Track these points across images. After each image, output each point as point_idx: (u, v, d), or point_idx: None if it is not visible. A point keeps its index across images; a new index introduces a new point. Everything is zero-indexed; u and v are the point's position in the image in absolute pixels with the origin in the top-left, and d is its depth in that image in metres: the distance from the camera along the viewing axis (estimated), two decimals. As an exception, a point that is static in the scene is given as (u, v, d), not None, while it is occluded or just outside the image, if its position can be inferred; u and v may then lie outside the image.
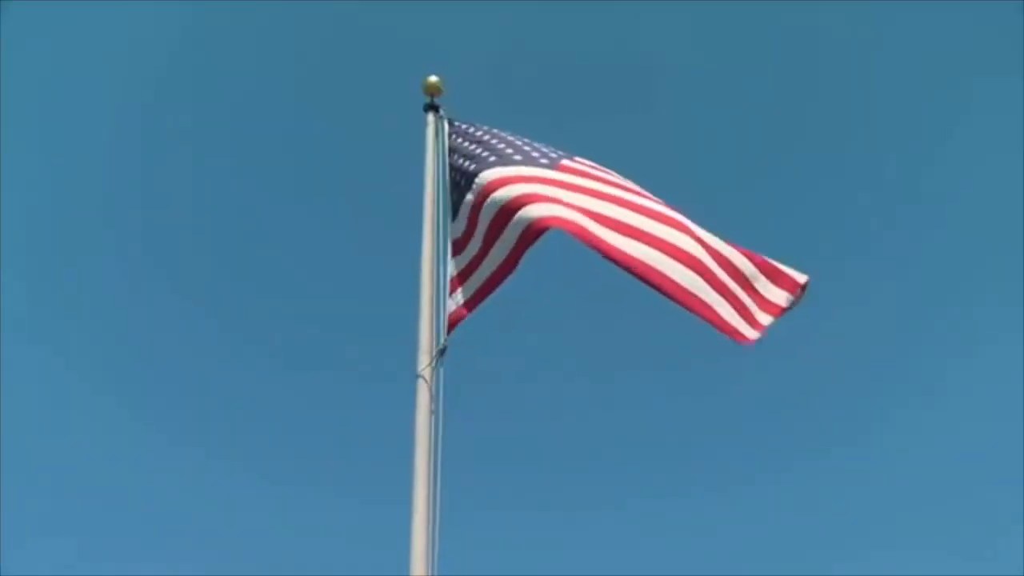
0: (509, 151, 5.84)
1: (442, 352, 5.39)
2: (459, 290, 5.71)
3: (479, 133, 6.12)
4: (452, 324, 5.55)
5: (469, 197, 5.71)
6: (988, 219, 16.30)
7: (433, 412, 5.16)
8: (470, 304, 5.62)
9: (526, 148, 5.88)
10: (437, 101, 6.44)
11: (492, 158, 5.77)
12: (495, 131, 6.11)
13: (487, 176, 5.61)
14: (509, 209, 5.37)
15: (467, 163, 5.85)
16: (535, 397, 17.13)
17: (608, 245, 4.96)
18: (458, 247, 5.86)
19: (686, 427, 16.94)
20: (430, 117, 6.36)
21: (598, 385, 17.26)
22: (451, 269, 5.81)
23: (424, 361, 5.32)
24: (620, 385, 17.38)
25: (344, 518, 15.40)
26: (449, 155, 6.15)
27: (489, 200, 5.49)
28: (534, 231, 5.26)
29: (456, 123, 6.32)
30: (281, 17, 17.21)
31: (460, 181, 5.88)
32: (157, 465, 15.29)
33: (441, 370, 5.38)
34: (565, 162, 5.73)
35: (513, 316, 15.41)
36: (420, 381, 5.26)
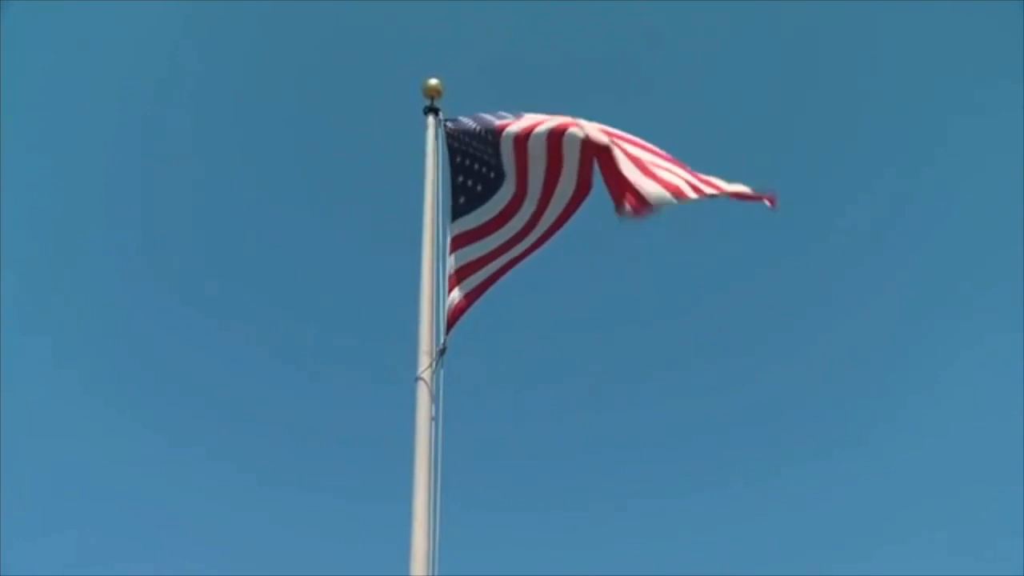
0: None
1: (442, 352, 5.42)
2: (457, 288, 5.73)
3: (474, 122, 6.17)
4: (458, 312, 5.59)
5: (507, 151, 5.82)
6: (988, 219, 16.31)
7: (433, 413, 5.19)
8: (535, 246, 5.83)
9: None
10: (437, 104, 6.45)
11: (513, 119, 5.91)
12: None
13: (516, 127, 5.75)
14: (557, 133, 5.56)
15: (490, 122, 5.97)
16: (536, 398, 17.15)
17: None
18: (468, 238, 5.91)
19: (686, 428, 16.97)
20: (430, 119, 6.37)
21: (598, 386, 17.29)
22: (451, 264, 5.83)
23: (424, 363, 5.34)
24: (621, 386, 17.41)
25: (344, 518, 15.43)
26: (451, 156, 6.18)
27: (534, 135, 5.64)
28: (592, 146, 5.49)
29: (449, 124, 6.32)
30: (281, 19, 17.22)
31: (483, 151, 5.98)
32: (157, 465, 15.31)
33: (441, 371, 5.41)
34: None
35: (514, 317, 15.45)
36: (420, 383, 5.28)
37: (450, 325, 5.55)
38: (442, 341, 5.46)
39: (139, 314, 16.84)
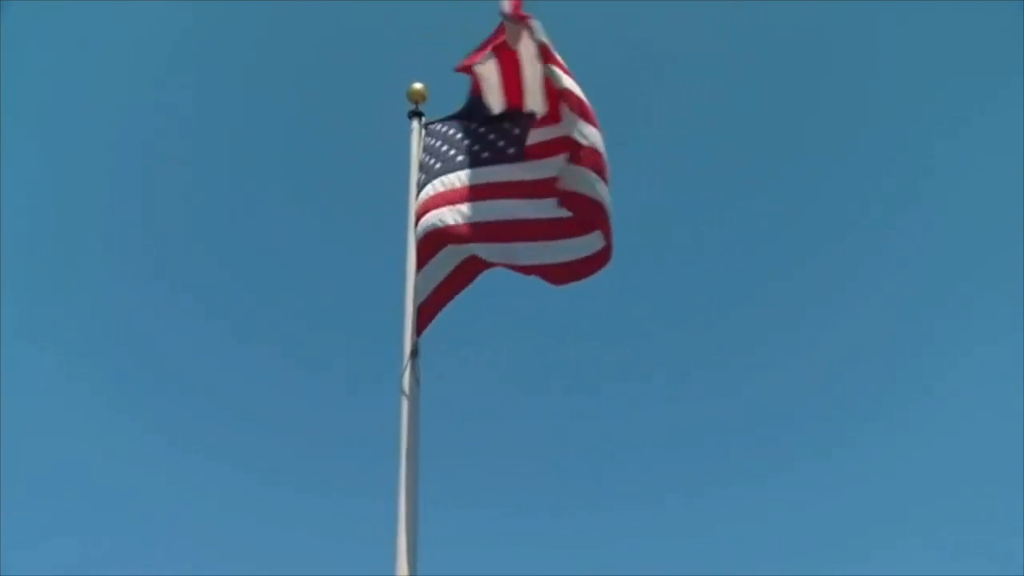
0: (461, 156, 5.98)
1: (414, 354, 5.49)
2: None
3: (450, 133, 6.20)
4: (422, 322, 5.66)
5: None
6: (988, 219, 16.29)
7: (410, 411, 5.29)
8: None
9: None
10: (421, 108, 6.51)
11: (438, 164, 5.98)
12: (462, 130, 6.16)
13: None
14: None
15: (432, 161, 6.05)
16: (530, 396, 17.14)
17: None
18: None
19: (685, 427, 16.95)
20: (414, 124, 6.41)
21: (596, 384, 17.27)
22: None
23: (407, 362, 5.43)
24: (619, 385, 17.39)
25: (341, 517, 15.45)
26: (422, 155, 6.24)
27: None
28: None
29: (431, 125, 6.35)
30: (271, 20, 17.23)
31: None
32: (156, 466, 15.35)
33: (422, 371, 5.49)
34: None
35: (511, 311, 15.48)
36: (405, 381, 5.39)
37: (420, 329, 5.59)
38: (414, 342, 5.53)
39: (137, 314, 16.88)
